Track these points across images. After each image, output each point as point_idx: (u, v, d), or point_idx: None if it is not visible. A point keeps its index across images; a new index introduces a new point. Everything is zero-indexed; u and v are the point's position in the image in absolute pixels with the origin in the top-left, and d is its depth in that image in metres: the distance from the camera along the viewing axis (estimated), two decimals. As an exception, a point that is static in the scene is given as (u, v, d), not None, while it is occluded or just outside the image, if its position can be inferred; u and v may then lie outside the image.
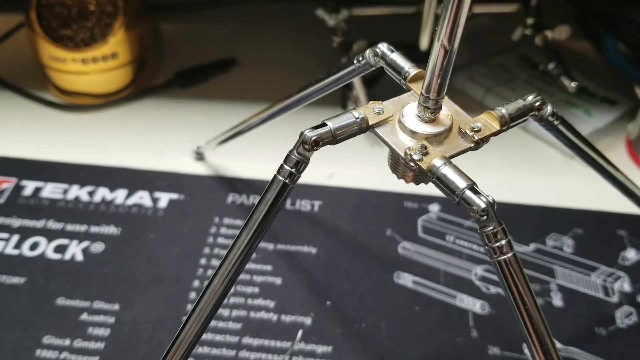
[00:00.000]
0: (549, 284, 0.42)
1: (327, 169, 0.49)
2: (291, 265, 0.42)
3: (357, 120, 0.26)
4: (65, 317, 0.39)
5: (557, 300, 0.41)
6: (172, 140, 0.52)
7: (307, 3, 0.64)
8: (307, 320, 0.39)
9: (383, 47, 0.29)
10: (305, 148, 0.25)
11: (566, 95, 0.54)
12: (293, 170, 0.26)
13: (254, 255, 0.43)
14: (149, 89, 0.57)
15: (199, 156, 0.50)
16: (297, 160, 0.25)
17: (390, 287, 0.41)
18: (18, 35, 0.62)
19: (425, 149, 0.25)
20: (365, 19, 0.54)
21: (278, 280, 0.41)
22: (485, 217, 0.23)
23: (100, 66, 0.53)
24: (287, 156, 0.26)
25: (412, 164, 0.25)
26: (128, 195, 0.46)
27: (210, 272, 0.42)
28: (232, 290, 0.40)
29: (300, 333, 0.38)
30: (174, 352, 0.27)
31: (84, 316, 0.39)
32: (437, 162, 0.24)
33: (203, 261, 0.42)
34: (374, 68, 0.30)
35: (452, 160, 0.25)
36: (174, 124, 0.54)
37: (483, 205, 0.23)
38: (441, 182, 0.24)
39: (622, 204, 0.41)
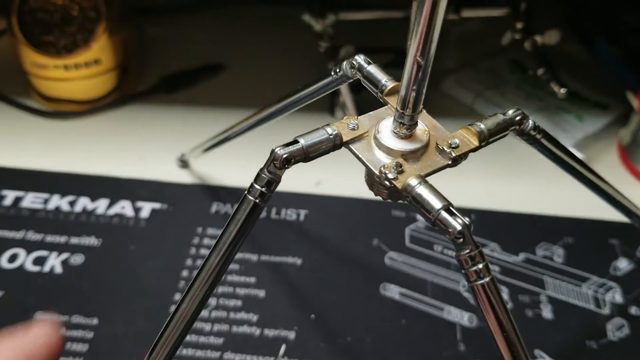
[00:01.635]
0: (538, 295, 0.41)
1: (313, 177, 0.48)
2: (275, 276, 0.41)
3: (331, 136, 0.25)
4: (42, 332, 0.38)
5: (547, 312, 0.40)
6: (156, 147, 0.51)
7: (295, 7, 0.63)
8: (291, 335, 0.38)
9: (360, 58, 0.28)
10: (276, 166, 0.24)
11: (557, 100, 0.53)
12: (264, 189, 0.25)
13: (236, 266, 0.42)
14: (133, 95, 0.56)
15: (183, 164, 0.49)
16: (268, 180, 0.25)
17: (377, 299, 0.40)
18: None
19: (401, 167, 0.24)
20: (352, 23, 0.53)
21: (262, 293, 0.40)
22: (461, 240, 0.22)
23: (83, 72, 0.52)
24: (258, 175, 0.25)
25: (387, 182, 0.24)
26: (110, 205, 0.45)
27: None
28: (214, 303, 0.39)
29: (283, 348, 0.38)
30: None
31: (62, 331, 0.38)
32: (412, 181, 0.23)
33: (185, 273, 0.41)
34: (351, 80, 0.29)
35: (429, 177, 0.24)
36: (158, 130, 0.53)
37: (459, 228, 0.22)
38: (416, 202, 0.23)
39: (613, 212, 0.40)
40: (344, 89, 0.49)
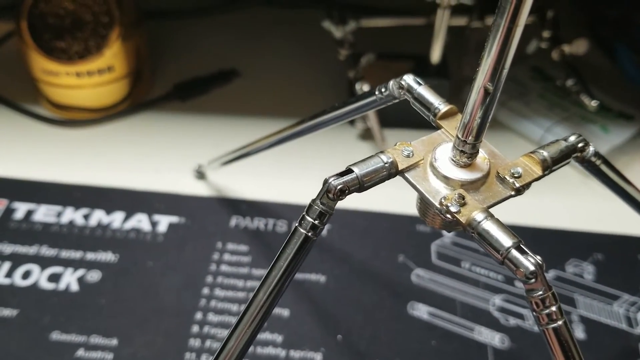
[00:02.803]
0: (570, 314, 0.40)
1: (334, 189, 0.47)
2: (299, 294, 0.40)
3: (386, 165, 0.24)
4: (60, 354, 0.36)
5: (579, 332, 0.39)
6: (171, 157, 0.49)
7: (313, 10, 0.61)
8: (318, 356, 0.37)
9: (409, 79, 0.27)
10: (330, 197, 0.23)
11: (581, 110, 0.52)
12: (316, 222, 0.23)
13: (258, 284, 0.40)
14: (146, 102, 0.54)
15: (200, 175, 0.47)
16: (321, 212, 0.23)
17: (405, 319, 0.39)
18: (8, 45, 0.59)
19: (463, 199, 0.23)
20: (373, 30, 0.51)
21: (285, 312, 0.39)
22: (533, 280, 0.21)
23: (96, 80, 0.50)
24: (310, 206, 0.23)
25: (448, 215, 0.23)
26: (125, 219, 0.44)
27: (213, 303, 0.39)
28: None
29: (310, 370, 0.36)
30: None
31: (81, 352, 0.36)
32: (478, 216, 0.22)
33: (206, 291, 0.40)
34: (397, 100, 0.27)
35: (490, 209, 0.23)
36: (173, 139, 0.51)
37: (532, 268, 0.21)
38: (483, 238, 0.22)
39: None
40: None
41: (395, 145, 0.25)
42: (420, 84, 0.27)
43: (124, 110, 0.53)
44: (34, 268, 0.40)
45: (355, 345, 0.37)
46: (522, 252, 0.21)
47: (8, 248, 0.42)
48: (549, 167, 0.25)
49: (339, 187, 0.23)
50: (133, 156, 0.49)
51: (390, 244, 0.43)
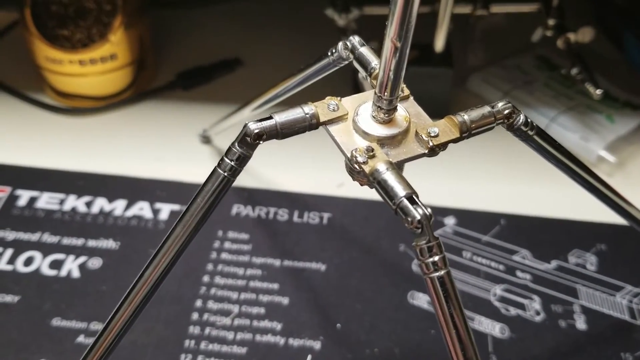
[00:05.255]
0: (572, 305, 0.39)
1: (335, 178, 0.47)
2: (299, 283, 0.40)
3: (307, 115, 0.24)
4: (60, 340, 0.37)
5: (581, 323, 0.39)
6: (173, 145, 0.50)
7: None
8: (317, 345, 0.37)
9: (355, 39, 0.27)
10: (248, 141, 0.24)
11: (587, 100, 0.51)
12: (234, 164, 0.24)
13: (259, 272, 0.40)
14: (149, 91, 0.54)
15: (206, 139, 0.49)
16: (239, 154, 0.24)
17: (405, 308, 0.39)
18: (13, 33, 0.60)
19: (372, 151, 0.24)
20: (377, 18, 0.51)
21: (285, 300, 0.39)
22: (419, 230, 0.21)
23: (99, 68, 0.50)
24: (229, 149, 0.24)
25: (356, 166, 0.23)
26: (127, 206, 0.44)
27: (213, 291, 0.39)
28: (237, 310, 0.38)
29: (309, 358, 0.36)
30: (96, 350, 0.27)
31: (81, 338, 0.37)
32: (381, 166, 0.23)
33: (206, 279, 0.40)
34: (347, 62, 0.28)
35: (404, 165, 0.24)
36: (175, 128, 0.51)
37: (418, 217, 0.21)
38: (381, 187, 0.23)
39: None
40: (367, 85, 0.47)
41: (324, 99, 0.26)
42: (363, 45, 0.27)
43: (127, 98, 0.53)
44: (36, 255, 0.41)
45: (355, 334, 0.37)
46: (413, 202, 0.22)
47: (10, 235, 0.42)
48: (468, 130, 0.25)
49: (256, 131, 0.24)
50: (135, 144, 0.50)
51: (391, 233, 0.43)
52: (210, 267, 0.41)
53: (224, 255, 0.41)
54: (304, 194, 0.46)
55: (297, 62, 0.57)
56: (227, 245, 0.42)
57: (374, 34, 0.50)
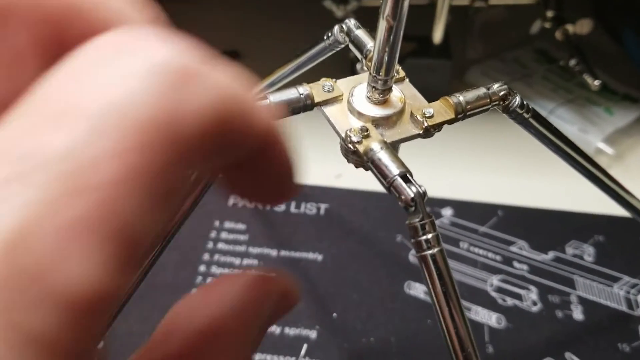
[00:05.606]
0: (569, 295, 0.39)
1: (334, 169, 0.47)
2: (295, 273, 0.40)
3: (301, 96, 0.24)
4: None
5: (578, 314, 0.38)
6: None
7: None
8: (312, 334, 0.37)
9: (350, 22, 0.27)
10: None
11: (586, 92, 0.51)
12: None
13: (255, 262, 0.40)
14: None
15: None
16: None
17: (401, 298, 0.39)
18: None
19: (367, 131, 0.23)
20: (375, 10, 0.51)
21: (282, 290, 0.39)
22: (413, 208, 0.21)
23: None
24: None
25: (350, 146, 0.23)
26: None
27: (209, 280, 0.39)
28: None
29: (304, 347, 0.36)
30: None
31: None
32: (375, 145, 0.23)
33: (202, 268, 0.40)
34: (343, 46, 0.28)
35: (400, 146, 0.24)
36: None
37: (411, 195, 0.21)
38: (375, 166, 0.23)
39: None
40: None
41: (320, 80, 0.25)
42: (359, 28, 0.27)
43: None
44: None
45: (351, 324, 0.37)
46: (407, 180, 0.22)
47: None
48: (463, 111, 0.25)
49: None
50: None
51: (388, 224, 0.43)
52: (206, 256, 0.40)
53: (221, 245, 0.41)
54: (302, 184, 0.46)
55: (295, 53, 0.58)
56: (223, 235, 0.42)
57: (371, 26, 0.50)
